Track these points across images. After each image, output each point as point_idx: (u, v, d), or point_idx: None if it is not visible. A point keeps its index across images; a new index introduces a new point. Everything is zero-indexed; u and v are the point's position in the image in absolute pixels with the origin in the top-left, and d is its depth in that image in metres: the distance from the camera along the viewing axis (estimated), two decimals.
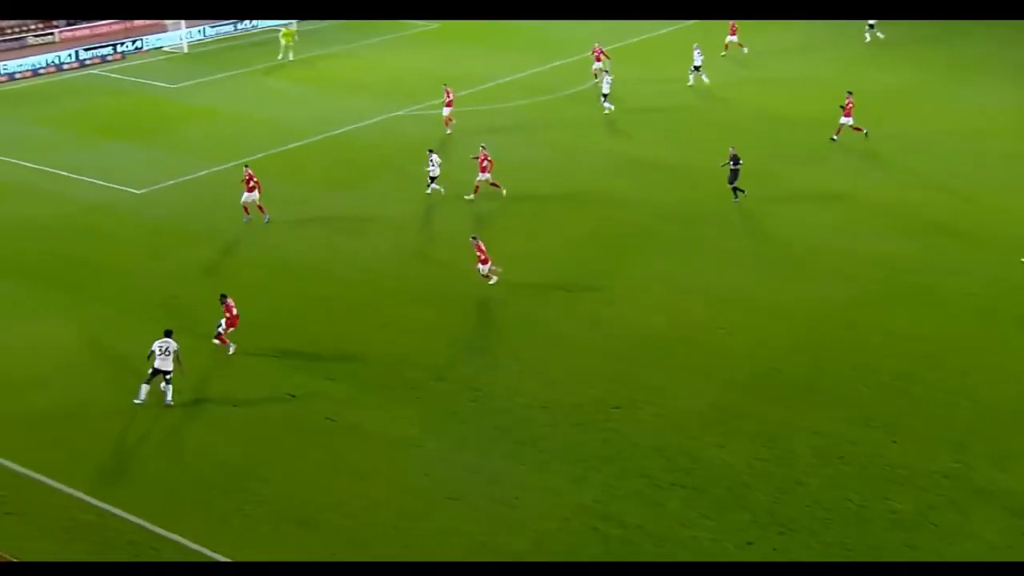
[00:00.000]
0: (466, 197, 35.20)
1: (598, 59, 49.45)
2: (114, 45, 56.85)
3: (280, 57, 55.42)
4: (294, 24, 58.47)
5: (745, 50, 54.11)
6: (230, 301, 25.53)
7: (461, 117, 43.61)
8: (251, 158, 38.58)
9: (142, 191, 36.35)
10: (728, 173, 34.88)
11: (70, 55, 54.88)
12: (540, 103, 47.28)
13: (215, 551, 18.84)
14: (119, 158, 39.84)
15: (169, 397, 23.27)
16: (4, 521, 19.53)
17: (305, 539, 19.25)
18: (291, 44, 55.97)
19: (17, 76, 52.41)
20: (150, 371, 23.05)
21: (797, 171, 38.24)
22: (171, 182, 36.95)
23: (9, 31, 59.12)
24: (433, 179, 35.41)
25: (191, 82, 51.48)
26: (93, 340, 26.13)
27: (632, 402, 23.66)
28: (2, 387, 24.18)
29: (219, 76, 52.53)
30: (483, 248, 28.67)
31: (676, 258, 31.15)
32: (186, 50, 58.01)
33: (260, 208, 33.43)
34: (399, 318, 27.58)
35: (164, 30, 60.19)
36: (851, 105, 40.16)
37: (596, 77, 48.91)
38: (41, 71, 53.39)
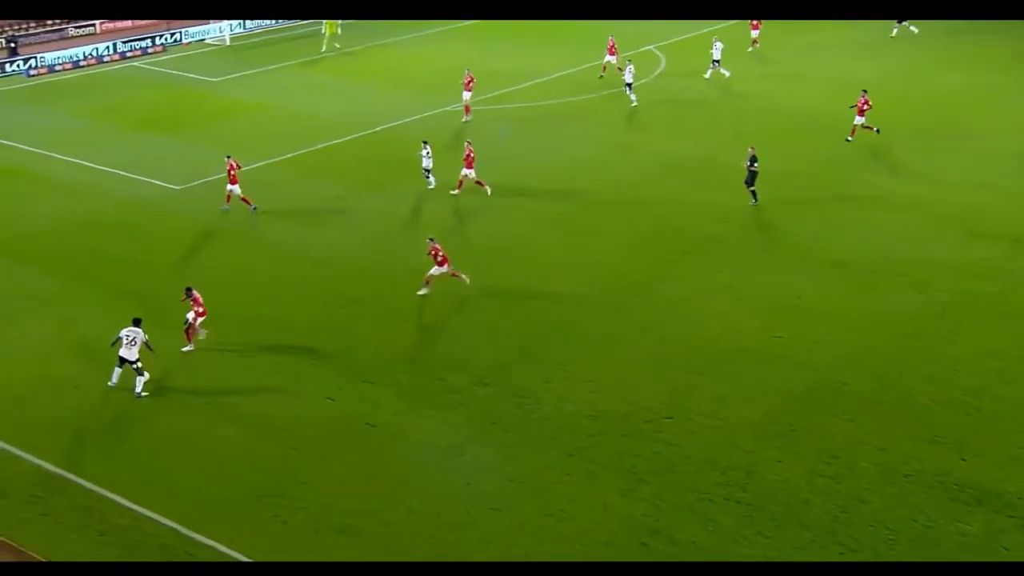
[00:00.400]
0: (452, 192, 35.52)
1: (611, 52, 49.45)
2: (156, 37, 57.63)
3: (323, 49, 55.87)
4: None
5: (756, 47, 53.82)
6: (196, 294, 25.66)
7: (507, 114, 43.53)
8: (292, 154, 38.93)
9: (181, 187, 36.73)
10: (746, 174, 34.47)
11: (111, 47, 55.75)
12: (587, 100, 47.07)
13: (251, 558, 18.88)
14: (159, 153, 40.33)
15: (139, 389, 23.71)
16: (38, 522, 19.75)
17: (343, 547, 19.23)
18: (335, 34, 56.39)
19: (57, 68, 53.36)
20: (118, 360, 23.72)
21: (858, 174, 37.66)
22: (211, 178, 37.27)
23: (50, 22, 60.19)
24: (427, 171, 35.70)
25: (233, 75, 52.02)
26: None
27: (684, 412, 23.38)
28: (35, 385, 24.50)
29: (261, 70, 53.03)
30: (439, 249, 28.00)
31: (730, 263, 30.78)
32: (228, 43, 58.66)
33: (244, 200, 33.82)
34: (442, 321, 27.54)
35: (206, 22, 60.91)
36: (864, 104, 39.63)
37: (605, 72, 49.27)
38: (82, 63, 54.29)
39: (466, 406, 23.70)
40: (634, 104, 45.02)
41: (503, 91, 48.06)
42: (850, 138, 40.21)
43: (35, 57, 53.26)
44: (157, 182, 37.14)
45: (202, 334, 25.83)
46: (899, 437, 22.47)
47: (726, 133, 42.04)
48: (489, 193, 35.18)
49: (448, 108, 45.80)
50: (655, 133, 42.22)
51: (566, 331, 27.06)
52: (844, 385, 24.48)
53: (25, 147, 41.06)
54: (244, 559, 18.86)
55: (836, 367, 25.20)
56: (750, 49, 53.69)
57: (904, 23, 56.30)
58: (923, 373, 24.96)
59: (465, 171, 35.23)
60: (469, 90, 43.55)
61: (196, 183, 37.01)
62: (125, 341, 23.64)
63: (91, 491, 20.57)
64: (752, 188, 34.52)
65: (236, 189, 33.83)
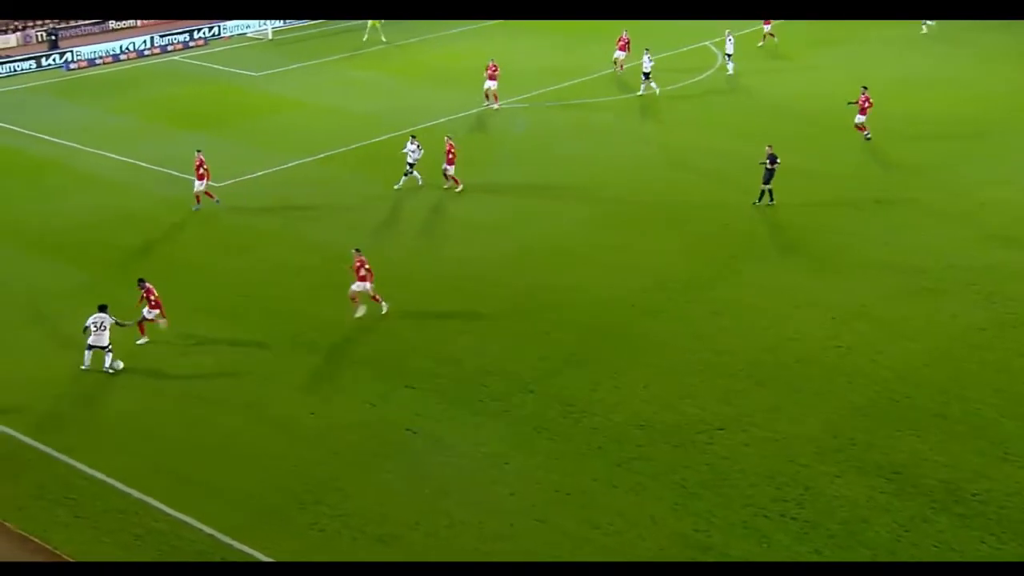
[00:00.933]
0: (445, 186, 35.88)
1: (623, 48, 49.71)
2: (196, 31, 58.46)
3: (366, 39, 56.43)
4: None
5: (771, 39, 54.03)
6: (149, 285, 26.14)
7: (557, 111, 43.55)
8: (333, 151, 39.32)
9: (220, 184, 37.17)
10: (764, 173, 34.26)
11: (152, 40, 56.63)
12: (641, 98, 46.96)
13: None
14: (198, 149, 40.83)
15: (108, 364, 24.96)
16: (72, 525, 20.12)
17: (382, 557, 19.36)
18: (379, 25, 56.93)
19: (97, 62, 54.32)
20: (87, 345, 24.91)
21: (917, 177, 37.26)
22: (250, 176, 37.74)
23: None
24: (411, 165, 35.69)
25: (274, 70, 52.62)
26: (161, 342, 26.77)
27: (738, 423, 23.25)
28: (71, 384, 24.97)
29: (303, 64, 53.59)
30: (364, 262, 27.20)
31: (789, 268, 30.57)
32: (270, 37, 59.34)
33: (208, 194, 34.46)
34: (487, 325, 27.64)
35: None
36: (866, 101, 39.52)
37: (619, 68, 49.54)
38: (122, 57, 55.22)
39: (511, 413, 23.77)
40: (654, 92, 45.91)
41: (549, 88, 48.12)
42: (869, 136, 40.06)
43: (74, 51, 54.28)
44: (194, 178, 37.60)
45: (163, 324, 26.33)
46: (966, 453, 22.16)
47: (785, 133, 41.70)
48: (459, 190, 35.61)
49: (493, 106, 45.89)
50: (708, 132, 42.04)
51: (615, 337, 27.03)
52: (908, 398, 24.20)
53: (62, 142, 41.86)
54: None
55: (900, 379, 24.92)
56: (760, 44, 53.99)
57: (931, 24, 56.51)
58: (992, 386, 24.60)
59: (446, 167, 35.62)
60: (494, 79, 44.60)
61: (235, 180, 37.46)
62: (94, 329, 24.85)
63: (127, 494, 20.91)
64: (768, 187, 34.25)
65: (201, 185, 34.21)
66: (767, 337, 26.78)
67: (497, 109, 43.94)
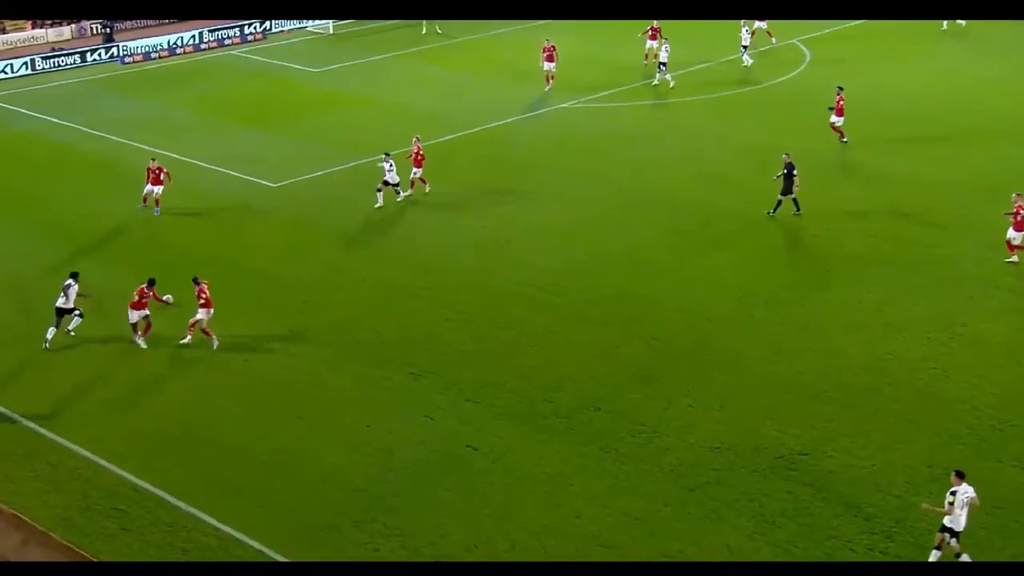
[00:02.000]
0: (404, 194, 35.89)
1: (653, 38, 50.45)
2: (255, 24, 59.43)
3: (424, 32, 57.13)
4: None
5: (774, 40, 53.94)
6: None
7: (633, 112, 43.46)
8: (396, 151, 39.52)
9: (278, 184, 37.76)
10: (783, 183, 34.01)
11: (209, 34, 57.73)
12: (720, 99, 46.72)
13: None
14: (256, 147, 41.56)
15: (72, 326, 27.32)
16: (120, 538, 20.49)
17: None
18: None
19: (153, 56, 55.50)
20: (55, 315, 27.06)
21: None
22: (310, 175, 38.23)
23: None
24: (388, 184, 35.09)
25: (336, 66, 53.31)
26: (212, 348, 27.21)
27: (823, 449, 22.96)
28: (122, 390, 25.49)
29: (364, 60, 54.23)
30: (204, 291, 26.64)
31: (880, 283, 30.14)
32: (332, 31, 60.14)
33: (156, 201, 34.91)
34: (554, 337, 27.65)
35: None
36: (842, 103, 39.58)
37: (647, 59, 50.07)
38: (178, 51, 56.36)
39: (577, 432, 23.74)
40: (663, 84, 47.26)
41: (621, 88, 48.08)
42: (845, 139, 40.14)
43: (130, 44, 55.52)
44: (251, 178, 38.26)
45: (168, 299, 27.38)
46: None
47: (877, 136, 41.27)
48: (428, 190, 35.96)
49: (563, 105, 46.05)
50: (794, 135, 41.60)
51: (690, 352, 26.88)
52: (1012, 426, 23.71)
53: (116, 138, 42.81)
54: None
55: (1002, 405, 24.43)
56: (767, 46, 53.73)
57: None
58: None
59: (415, 170, 35.70)
60: (551, 60, 47.05)
61: (292, 180, 37.97)
62: (62, 294, 26.92)
63: (175, 506, 21.26)
64: (790, 197, 33.99)
65: (157, 190, 34.67)
66: (855, 357, 26.41)
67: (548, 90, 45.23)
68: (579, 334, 27.78)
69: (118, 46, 55.23)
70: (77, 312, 27.39)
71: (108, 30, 57.64)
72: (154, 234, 34.12)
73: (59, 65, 53.30)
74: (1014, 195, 31.20)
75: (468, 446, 23.25)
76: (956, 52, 53.58)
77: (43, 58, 53.23)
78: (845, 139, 40.33)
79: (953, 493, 19.16)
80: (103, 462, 22.60)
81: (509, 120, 44.31)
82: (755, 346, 27.08)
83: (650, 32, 50.52)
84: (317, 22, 60.93)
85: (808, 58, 52.50)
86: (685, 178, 37.89)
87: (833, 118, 40.16)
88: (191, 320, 26.97)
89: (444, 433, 23.73)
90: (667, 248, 32.68)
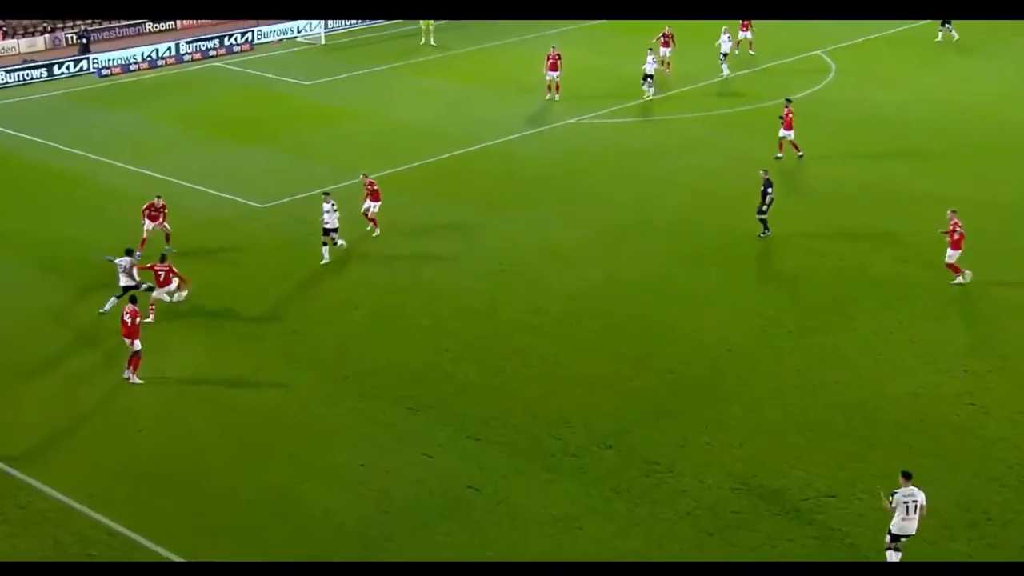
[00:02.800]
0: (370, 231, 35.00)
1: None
2: (242, 34, 59.76)
3: (423, 43, 57.53)
4: None
5: (753, 52, 54.98)
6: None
7: (644, 127, 43.56)
8: (394, 169, 39.76)
9: (266, 204, 37.83)
10: (760, 201, 34.32)
11: (192, 45, 58.04)
12: (736, 114, 46.89)
13: None
14: (240, 164, 41.68)
15: (176, 299, 29.72)
16: None
17: None
18: (431, 27, 58.08)
19: (133, 68, 55.77)
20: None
21: None
22: (301, 195, 38.30)
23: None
24: (328, 232, 33.03)
25: (328, 79, 53.57)
26: (200, 378, 27.20)
27: (851, 490, 22.87)
28: (96, 426, 25.48)
29: (358, 72, 54.51)
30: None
31: (913, 311, 30.12)
32: (323, 42, 60.53)
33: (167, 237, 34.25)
34: (562, 369, 27.62)
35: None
36: (791, 116, 40.18)
37: (664, 65, 51.10)
38: (159, 63, 56.62)
39: (586, 471, 23.66)
40: (649, 96, 47.83)
41: (634, 102, 48.24)
42: (779, 155, 40.71)
43: (108, 56, 55.79)
44: (237, 198, 38.33)
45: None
46: None
47: (901, 151, 41.44)
48: (376, 234, 34.62)
49: (570, 120, 46.20)
50: (816, 152, 41.79)
51: (708, 384, 26.84)
52: None
53: (91, 155, 42.99)
54: None
55: None
56: (737, 52, 54.51)
57: (948, 27, 56.72)
58: None
59: (370, 204, 34.79)
60: (555, 69, 48.10)
61: (281, 201, 38.05)
62: (121, 269, 29.46)
63: (154, 551, 21.14)
64: (762, 217, 34.29)
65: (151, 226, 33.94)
66: (886, 392, 26.35)
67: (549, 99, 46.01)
68: (589, 365, 27.74)
69: (92, 58, 55.46)
70: (145, 286, 29.40)
71: (84, 41, 57.92)
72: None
73: (32, 77, 53.58)
74: (949, 212, 31.45)
75: (469, 486, 23.17)
76: (975, 64, 53.78)
77: (15, 70, 53.49)
78: (801, 153, 40.78)
79: (893, 494, 20.10)
80: (76, 504, 22.51)
81: (513, 136, 44.44)
82: (777, 379, 27.02)
83: (663, 39, 51.26)
84: (308, 32, 61.26)
85: (833, 70, 52.72)
86: (701, 197, 37.94)
87: (782, 132, 40.69)
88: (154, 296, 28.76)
89: (444, 472, 23.65)
90: (682, 272, 32.70)
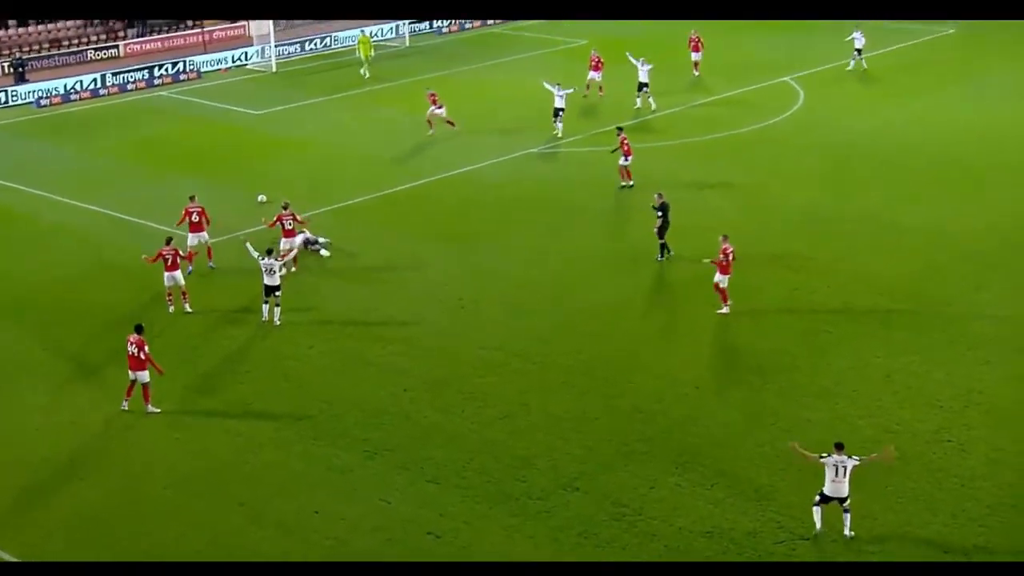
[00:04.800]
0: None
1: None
2: (189, 61, 59.81)
3: (362, 71, 57.90)
4: (368, 31, 61.28)
5: (697, 73, 56.23)
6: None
7: (609, 158, 43.77)
8: (349, 201, 39.79)
9: (214, 240, 37.71)
10: (656, 223, 35.16)
11: (136, 73, 58.00)
12: (707, 142, 47.38)
13: None
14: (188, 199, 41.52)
15: (277, 316, 31.55)
16: None
17: None
18: (368, 58, 58.42)
19: (73, 97, 55.62)
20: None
21: None
22: (251, 229, 38.24)
23: (67, 43, 62.98)
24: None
25: (280, 107, 53.72)
26: (146, 423, 27.06)
27: (827, 532, 22.99)
28: (34, 475, 25.28)
29: (314, 101, 54.71)
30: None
31: (888, 346, 30.42)
32: (275, 69, 60.69)
33: (208, 250, 35.43)
34: (527, 409, 27.69)
35: (249, 43, 63.13)
36: (626, 145, 41.17)
37: (589, 91, 53.04)
38: (102, 92, 56.53)
39: (552, 515, 23.71)
40: (637, 107, 50.12)
41: (602, 129, 48.65)
42: (630, 183, 41.62)
43: (46, 85, 55.60)
44: (184, 233, 38.18)
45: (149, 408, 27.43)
46: None
47: (875, 180, 42.04)
48: (292, 271, 34.25)
49: (533, 150, 46.51)
50: (789, 180, 42.33)
51: (677, 424, 26.97)
52: None
53: (29, 189, 42.82)
54: None
55: None
56: (698, 73, 56.15)
57: (860, 57, 57.94)
58: None
59: (285, 242, 34.73)
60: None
61: (231, 236, 37.97)
62: (265, 270, 31.07)
63: None
64: (662, 241, 35.17)
65: (203, 238, 35.21)
66: (860, 430, 26.57)
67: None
68: (554, 404, 27.84)
69: (33, 87, 55.28)
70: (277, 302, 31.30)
71: (21, 69, 57.64)
72: (74, 297, 33.94)
73: None
74: (721, 237, 32.20)
75: (430, 533, 23.15)
76: (953, 91, 54.73)
77: None
78: (631, 183, 41.56)
79: (823, 456, 22.58)
80: (8, 556, 22.28)
81: (472, 167, 44.66)
82: (748, 417, 27.21)
83: (592, 63, 52.67)
84: (258, 60, 61.43)
85: (801, 97, 53.42)
86: (669, 229, 38.16)
87: (622, 160, 41.47)
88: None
89: (403, 519, 23.61)
90: (651, 306, 32.91)
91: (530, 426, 26.92)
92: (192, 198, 35.84)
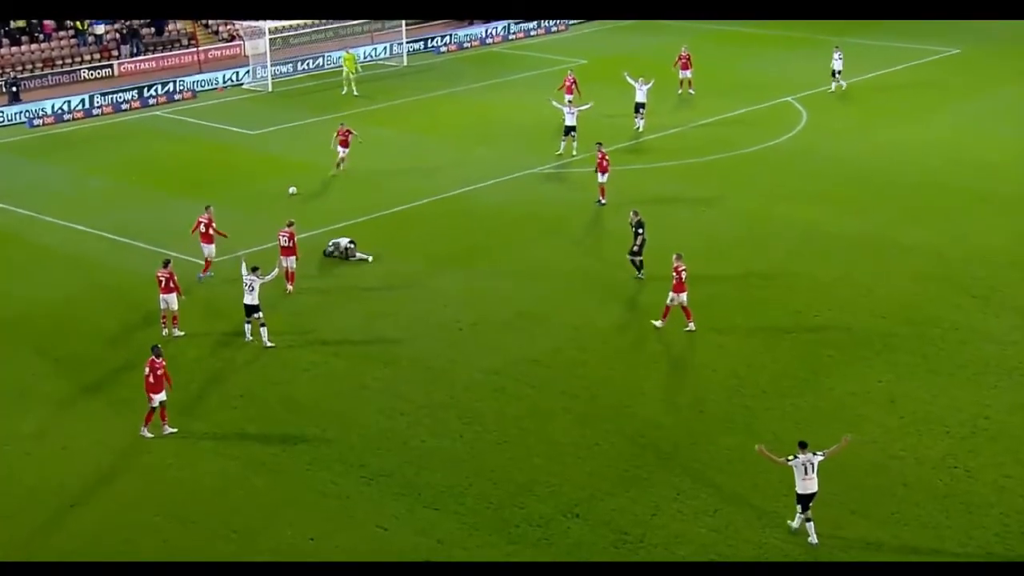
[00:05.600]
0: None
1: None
2: (184, 81, 59.96)
3: (355, 93, 58.07)
4: (353, 49, 61.68)
5: (692, 92, 56.70)
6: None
7: (612, 179, 43.93)
8: (347, 222, 39.81)
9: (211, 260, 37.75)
10: (638, 243, 35.43)
11: (131, 93, 58.11)
12: (710, 163, 47.49)
13: None
14: (185, 220, 41.41)
15: (265, 338, 31.63)
16: None
17: None
18: (353, 74, 58.65)
19: (66, 117, 55.71)
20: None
21: None
22: (246, 251, 38.22)
23: (60, 62, 63.15)
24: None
25: (276, 127, 53.84)
26: (138, 448, 27.01)
27: (830, 559, 22.95)
28: (21, 503, 25.21)
29: (310, 120, 54.80)
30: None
31: (893, 370, 30.42)
32: (271, 88, 60.80)
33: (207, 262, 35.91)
34: (526, 434, 27.66)
35: (245, 63, 63.35)
36: (604, 161, 41.52)
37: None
38: (95, 112, 56.63)
39: (552, 543, 23.65)
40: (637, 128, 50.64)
41: (610, 149, 48.79)
42: (603, 201, 41.95)
43: (39, 104, 55.69)
44: (179, 255, 38.20)
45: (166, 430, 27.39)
46: None
47: (892, 205, 42.07)
48: (289, 291, 34.82)
49: (535, 170, 46.59)
50: (799, 203, 42.34)
51: (680, 450, 26.95)
52: None
53: (20, 210, 42.88)
54: None
55: None
56: (680, 91, 56.69)
57: (839, 80, 58.02)
58: None
59: (286, 260, 35.06)
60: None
61: (227, 256, 37.96)
62: (246, 287, 31.08)
63: None
64: (638, 259, 35.49)
65: (208, 250, 35.64)
66: (865, 456, 26.53)
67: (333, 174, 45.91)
68: (554, 429, 27.80)
69: (26, 107, 55.39)
70: (262, 322, 31.47)
71: (14, 89, 57.80)
72: (67, 321, 33.95)
73: None
74: (674, 256, 32.51)
75: (428, 561, 23.07)
76: (960, 111, 54.88)
77: None
78: (603, 200, 41.94)
79: (791, 458, 23.21)
80: None
81: (471, 187, 44.73)
82: (752, 443, 27.07)
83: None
84: (253, 80, 61.62)
85: (805, 118, 53.55)
86: (666, 252, 38.10)
87: (600, 177, 41.86)
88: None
89: (400, 546, 23.55)
90: (651, 329, 32.85)
91: (529, 451, 26.88)
92: (207, 208, 36.46)
